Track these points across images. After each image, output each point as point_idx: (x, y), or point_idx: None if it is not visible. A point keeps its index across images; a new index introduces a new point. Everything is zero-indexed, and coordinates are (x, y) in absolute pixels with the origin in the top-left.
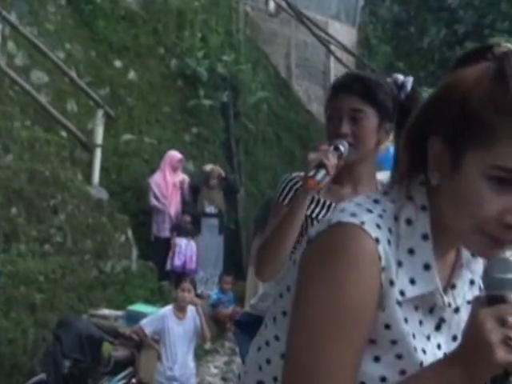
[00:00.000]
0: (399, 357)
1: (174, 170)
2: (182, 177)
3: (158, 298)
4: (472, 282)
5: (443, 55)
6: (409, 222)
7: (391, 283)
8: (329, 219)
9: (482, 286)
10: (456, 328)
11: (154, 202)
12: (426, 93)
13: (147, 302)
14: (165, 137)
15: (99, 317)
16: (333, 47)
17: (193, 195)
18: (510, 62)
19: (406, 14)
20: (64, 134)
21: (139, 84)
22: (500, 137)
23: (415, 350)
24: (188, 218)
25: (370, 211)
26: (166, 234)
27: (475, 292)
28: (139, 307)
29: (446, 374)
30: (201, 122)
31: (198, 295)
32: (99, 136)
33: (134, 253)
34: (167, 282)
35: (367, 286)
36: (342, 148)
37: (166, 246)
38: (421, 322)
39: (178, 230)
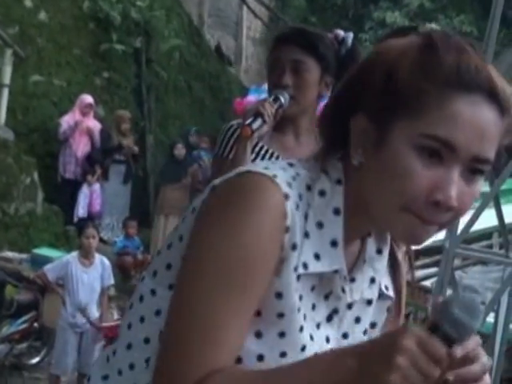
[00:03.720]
0: (282, 335)
1: (85, 113)
2: (92, 121)
3: (63, 242)
4: (373, 281)
5: (357, 12)
6: (322, 193)
7: (293, 247)
8: (238, 169)
9: (440, 314)
10: (348, 325)
11: (62, 137)
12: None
13: (52, 245)
14: (75, 80)
15: (2, 259)
16: None
17: (103, 141)
18: (438, 35)
19: None
20: None
21: (50, 25)
22: (430, 105)
23: (301, 329)
24: (97, 163)
25: (283, 169)
26: (71, 175)
27: (374, 291)
28: (44, 251)
29: (339, 361)
30: (112, 66)
31: (103, 241)
32: (7, 76)
33: (40, 196)
34: (73, 227)
35: (269, 239)
36: (282, 99)
37: (72, 190)
38: (314, 306)
39: (85, 172)
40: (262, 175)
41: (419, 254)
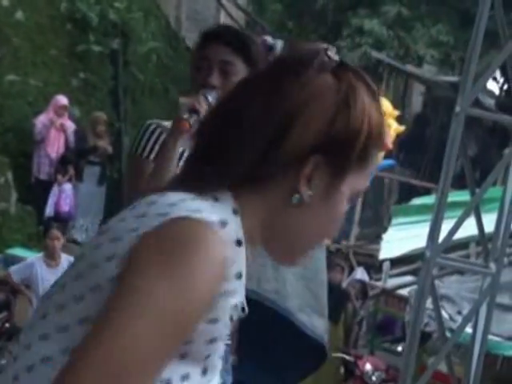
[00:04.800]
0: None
1: (60, 115)
2: (67, 122)
3: (36, 242)
4: None
5: (335, 19)
6: (223, 223)
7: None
8: (165, 213)
9: None
10: None
11: (39, 137)
12: None
13: (25, 246)
14: (51, 80)
15: None
16: (224, 1)
17: (78, 142)
18: (359, 82)
19: None
20: None
21: (27, 24)
22: (371, 160)
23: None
24: (70, 163)
25: (210, 212)
26: (45, 176)
27: None
28: (17, 251)
29: None
30: (89, 67)
31: (77, 242)
32: None
33: (13, 196)
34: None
35: (210, 292)
36: (210, 98)
37: (45, 190)
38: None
39: (58, 173)
40: (200, 223)
41: (396, 262)
